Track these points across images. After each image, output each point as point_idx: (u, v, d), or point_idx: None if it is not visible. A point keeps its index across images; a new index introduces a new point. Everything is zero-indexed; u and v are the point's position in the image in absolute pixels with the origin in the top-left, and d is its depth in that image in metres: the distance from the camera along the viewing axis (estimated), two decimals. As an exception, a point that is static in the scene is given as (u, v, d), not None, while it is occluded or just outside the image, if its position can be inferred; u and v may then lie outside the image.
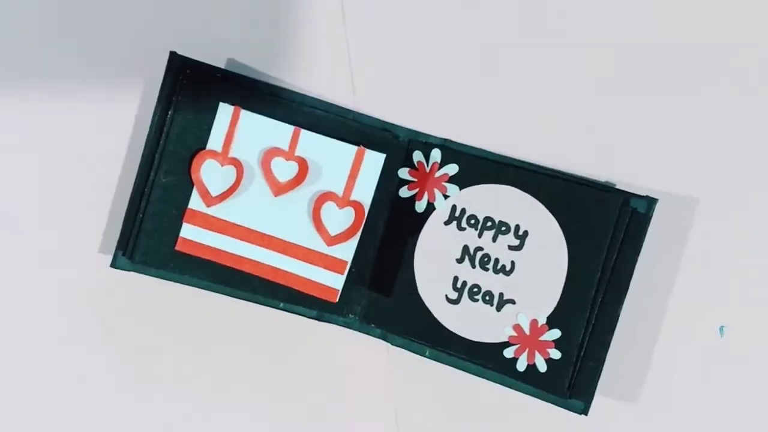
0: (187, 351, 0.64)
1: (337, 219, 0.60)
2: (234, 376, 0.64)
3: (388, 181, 0.61)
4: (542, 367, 0.60)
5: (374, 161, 0.60)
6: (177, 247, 0.61)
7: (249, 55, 0.63)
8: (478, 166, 0.61)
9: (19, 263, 0.64)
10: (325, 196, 0.60)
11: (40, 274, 0.64)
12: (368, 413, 0.64)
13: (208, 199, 0.60)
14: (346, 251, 0.61)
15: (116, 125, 0.63)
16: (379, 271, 0.62)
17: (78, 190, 0.63)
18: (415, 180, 0.62)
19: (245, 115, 0.60)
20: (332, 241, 0.61)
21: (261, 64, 0.63)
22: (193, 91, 0.61)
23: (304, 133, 0.60)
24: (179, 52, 0.61)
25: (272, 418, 0.64)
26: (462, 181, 0.62)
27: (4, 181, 0.64)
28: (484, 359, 0.61)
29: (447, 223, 0.62)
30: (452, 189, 0.62)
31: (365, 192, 0.60)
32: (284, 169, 0.60)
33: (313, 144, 0.60)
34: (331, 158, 0.60)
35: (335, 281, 0.61)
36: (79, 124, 0.63)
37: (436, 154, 0.62)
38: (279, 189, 0.61)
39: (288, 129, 0.60)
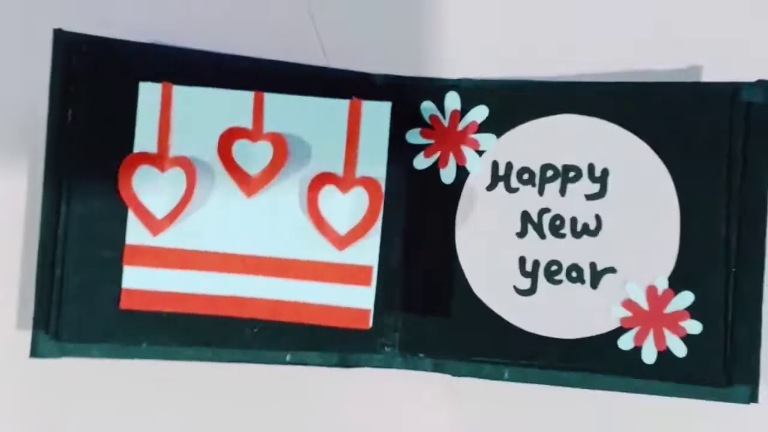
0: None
1: (345, 208, 0.43)
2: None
3: (395, 152, 0.44)
4: (680, 350, 0.43)
5: (378, 114, 0.43)
6: (122, 305, 0.42)
7: (161, 23, 0.45)
8: (516, 101, 0.45)
9: None
10: (320, 180, 0.42)
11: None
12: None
13: (153, 224, 0.42)
14: (367, 252, 0.42)
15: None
16: (415, 281, 0.44)
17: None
18: (432, 141, 0.45)
19: (179, 92, 0.42)
20: (344, 241, 0.43)
21: (181, 33, 0.45)
22: (98, 75, 0.42)
23: (270, 97, 0.42)
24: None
25: None
26: (497, 126, 0.45)
27: None
28: (592, 360, 0.43)
29: (490, 187, 0.45)
30: (486, 140, 0.45)
31: (375, 161, 0.43)
32: (253, 156, 0.42)
33: (287, 109, 0.42)
34: (317, 124, 0.42)
35: (362, 298, 0.42)
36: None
37: (453, 99, 0.45)
38: (252, 185, 0.43)
39: (246, 97, 0.42)
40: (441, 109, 0.46)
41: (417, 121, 0.46)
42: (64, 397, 0.45)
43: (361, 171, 0.43)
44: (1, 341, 0.45)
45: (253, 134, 0.43)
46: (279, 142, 0.42)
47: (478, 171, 0.45)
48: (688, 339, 0.43)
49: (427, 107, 0.46)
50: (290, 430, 0.46)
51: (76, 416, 0.45)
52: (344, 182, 0.43)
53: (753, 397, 0.43)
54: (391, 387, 0.46)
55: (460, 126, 0.46)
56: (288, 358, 0.44)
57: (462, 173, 0.46)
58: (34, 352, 0.43)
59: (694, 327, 0.43)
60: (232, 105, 0.43)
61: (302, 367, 0.44)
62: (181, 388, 0.45)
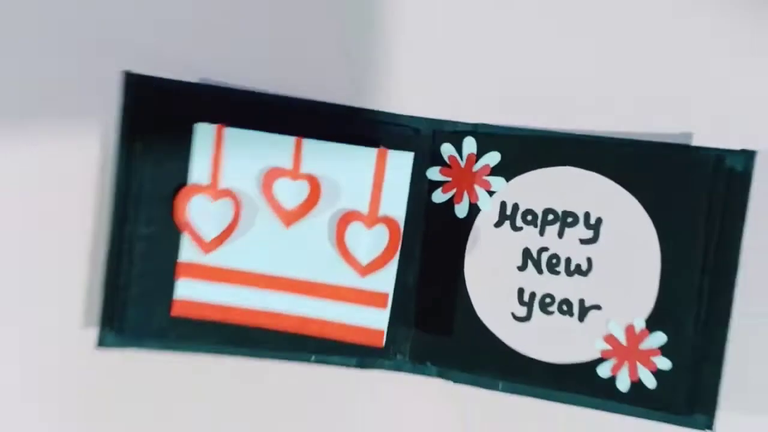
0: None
1: (368, 242, 0.49)
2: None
3: (416, 186, 0.49)
4: (650, 382, 0.48)
5: (401, 163, 0.48)
6: (173, 313, 0.49)
7: (221, 65, 0.51)
8: (525, 149, 0.50)
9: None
10: (348, 217, 0.49)
11: (17, 363, 0.52)
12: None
13: (203, 245, 0.48)
14: (384, 280, 0.49)
15: (74, 172, 0.51)
16: (426, 301, 0.50)
17: (43, 259, 0.51)
18: (450, 179, 0.51)
19: (231, 133, 0.48)
20: (366, 270, 0.49)
21: (237, 73, 0.51)
22: (162, 115, 0.48)
23: (307, 142, 0.48)
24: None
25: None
26: (507, 170, 0.50)
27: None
28: (574, 384, 0.49)
29: (498, 224, 0.50)
30: (497, 182, 0.50)
31: (396, 203, 0.48)
32: (292, 192, 0.48)
33: (322, 154, 0.48)
34: (348, 168, 0.48)
35: (377, 320, 0.49)
36: (25, 176, 0.51)
37: (470, 144, 0.50)
38: (289, 217, 0.49)
39: (288, 141, 0.48)
40: (459, 150, 0.51)
41: (437, 159, 0.51)
42: (125, 386, 0.53)
43: (383, 211, 0.49)
44: (71, 334, 0.52)
45: (293, 174, 0.48)
46: (314, 182, 0.48)
47: (489, 209, 0.51)
48: (658, 373, 0.48)
49: (447, 149, 0.51)
50: (307, 424, 0.53)
51: (137, 404, 0.53)
52: (369, 220, 0.48)
53: (709, 425, 0.48)
54: (401, 385, 0.53)
55: (475, 168, 0.51)
56: (312, 359, 0.51)
57: (474, 210, 0.51)
58: (101, 343, 0.51)
59: (664, 363, 0.48)
60: (276, 147, 0.48)
61: (323, 368, 0.52)
62: (218, 381, 0.52)
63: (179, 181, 0.49)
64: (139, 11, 0.51)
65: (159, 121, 0.49)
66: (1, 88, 0.51)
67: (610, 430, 0.50)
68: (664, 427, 0.49)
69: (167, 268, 0.50)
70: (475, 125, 0.51)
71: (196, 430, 0.52)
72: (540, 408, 0.50)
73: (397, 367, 0.51)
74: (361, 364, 0.51)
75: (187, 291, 0.49)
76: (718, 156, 0.48)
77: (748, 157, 0.48)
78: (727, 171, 0.48)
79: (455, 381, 0.51)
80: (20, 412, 0.52)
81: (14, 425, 0.52)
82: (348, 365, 0.51)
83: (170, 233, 0.49)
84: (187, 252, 0.49)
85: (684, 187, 0.48)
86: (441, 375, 0.51)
